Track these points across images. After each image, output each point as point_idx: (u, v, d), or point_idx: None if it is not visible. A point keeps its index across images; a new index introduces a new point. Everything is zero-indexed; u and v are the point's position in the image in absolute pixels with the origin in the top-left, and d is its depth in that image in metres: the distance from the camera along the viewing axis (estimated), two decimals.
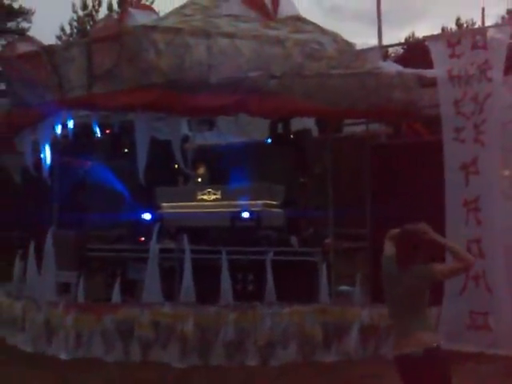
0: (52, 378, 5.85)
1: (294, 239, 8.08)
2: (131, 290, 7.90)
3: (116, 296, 6.93)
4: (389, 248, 3.57)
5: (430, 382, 3.25)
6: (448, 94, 6.24)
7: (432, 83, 6.40)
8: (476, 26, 22.58)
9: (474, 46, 6.17)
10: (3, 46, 10.09)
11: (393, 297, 3.43)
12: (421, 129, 7.35)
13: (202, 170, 9.28)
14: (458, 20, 25.26)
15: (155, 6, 20.23)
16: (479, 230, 6.13)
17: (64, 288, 8.01)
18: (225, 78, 6.05)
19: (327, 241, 7.67)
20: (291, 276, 7.28)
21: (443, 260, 3.66)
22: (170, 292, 7.03)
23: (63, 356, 6.61)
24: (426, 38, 6.91)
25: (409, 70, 6.50)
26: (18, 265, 8.00)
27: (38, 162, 7.64)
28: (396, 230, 3.60)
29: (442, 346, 3.35)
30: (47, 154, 7.51)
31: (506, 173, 6.58)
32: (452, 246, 3.40)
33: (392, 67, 6.57)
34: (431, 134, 7.20)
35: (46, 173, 7.57)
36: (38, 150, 7.64)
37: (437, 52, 6.36)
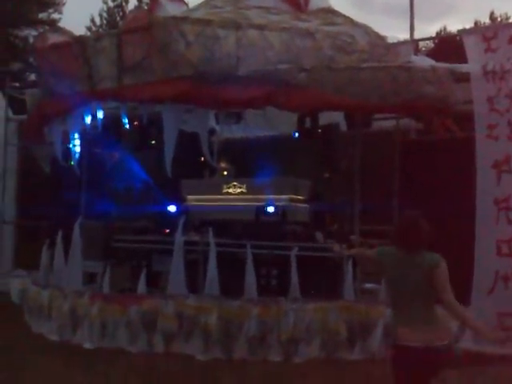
0: (76, 366, 5.91)
1: (319, 235, 8.00)
2: (156, 282, 7.95)
3: (141, 287, 6.97)
4: (380, 249, 3.52)
5: (426, 378, 3.25)
6: (482, 90, 6.08)
7: (465, 78, 6.25)
8: (511, 20, 22.08)
9: (511, 41, 5.99)
10: (35, 37, 10.20)
11: (400, 288, 3.36)
12: (452, 125, 7.19)
13: (227, 164, 9.27)
14: (491, 14, 24.74)
15: None
16: (510, 230, 5.98)
17: (90, 278, 8.10)
18: (254, 71, 6.00)
19: (353, 237, 7.57)
20: (316, 272, 7.22)
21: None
22: (194, 284, 7.04)
23: (88, 345, 6.68)
24: (460, 32, 6.75)
25: (442, 65, 6.36)
26: (45, 254, 8.11)
27: (67, 152, 7.73)
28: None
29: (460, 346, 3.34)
30: (76, 145, 7.58)
31: None
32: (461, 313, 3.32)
33: (424, 61, 6.43)
34: (463, 130, 7.04)
35: (74, 163, 7.65)
36: (67, 141, 7.73)
37: (471, 46, 6.19)
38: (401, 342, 3.28)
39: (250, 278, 6.79)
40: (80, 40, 6.89)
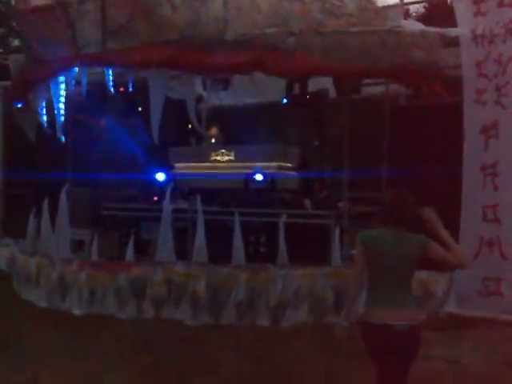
0: (66, 332, 5.94)
1: (307, 202, 8.03)
2: (144, 249, 7.97)
3: (129, 254, 6.98)
4: (361, 236, 3.45)
5: (404, 357, 3.27)
6: (471, 55, 6.03)
7: (455, 43, 6.19)
8: None
9: (500, 4, 5.91)
10: (16, 0, 9.93)
11: (381, 269, 3.29)
12: (441, 90, 7.16)
13: (215, 131, 9.21)
14: None
15: None
16: (496, 196, 6.01)
17: (78, 246, 8.08)
18: (241, 35, 5.90)
19: (341, 204, 7.60)
20: (304, 239, 7.26)
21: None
22: (182, 252, 7.05)
23: (77, 312, 6.71)
24: None
25: (431, 29, 6.28)
26: (32, 222, 8.06)
27: (52, 119, 7.61)
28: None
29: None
30: (61, 112, 7.46)
31: None
32: (452, 242, 3.27)
33: (414, 26, 6.35)
34: (452, 95, 7.00)
35: (60, 130, 7.54)
36: (52, 108, 7.60)
37: (461, 10, 6.11)
38: (377, 321, 3.24)
39: (238, 245, 6.81)
40: (63, 2, 6.70)
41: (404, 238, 3.28)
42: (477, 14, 6.01)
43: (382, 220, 3.37)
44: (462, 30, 6.06)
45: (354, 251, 7.81)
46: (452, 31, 6.18)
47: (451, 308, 6.02)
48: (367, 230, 3.54)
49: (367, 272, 3.35)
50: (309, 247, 7.26)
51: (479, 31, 5.96)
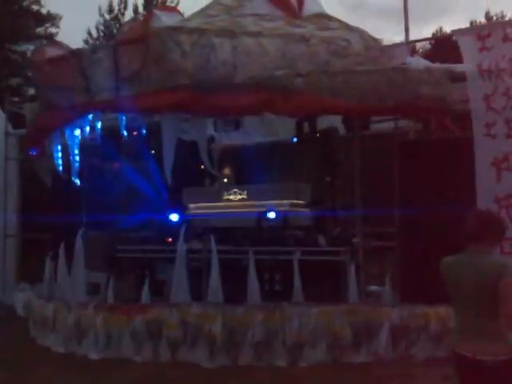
0: (82, 377, 5.91)
1: (321, 239, 8.01)
2: (159, 291, 7.96)
3: (145, 296, 6.98)
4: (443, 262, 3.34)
5: None
6: (478, 89, 6.09)
7: (462, 78, 6.26)
8: (506, 19, 22.12)
9: (505, 39, 6.00)
10: (32, 51, 10.26)
11: (458, 298, 3.16)
12: (450, 125, 7.20)
13: (228, 171, 9.30)
14: (487, 13, 24.78)
15: (180, 8, 20.48)
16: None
17: (94, 289, 8.10)
18: (250, 78, 6.02)
19: (355, 240, 7.58)
20: (319, 276, 7.22)
21: None
22: (197, 292, 7.04)
23: (93, 356, 6.69)
24: (454, 32, 6.77)
25: (437, 65, 6.37)
26: (48, 266, 8.12)
27: (68, 164, 7.76)
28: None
29: None
30: (76, 157, 7.61)
31: None
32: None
33: (420, 63, 6.45)
34: (461, 130, 7.05)
35: (75, 175, 7.67)
36: (67, 153, 7.76)
37: (466, 46, 6.21)
38: (466, 353, 3.06)
39: (253, 284, 6.80)
40: (76, 52, 6.93)
41: (481, 264, 3.08)
42: (482, 49, 6.10)
43: (463, 238, 3.21)
44: (467, 66, 6.14)
45: (371, 287, 7.79)
46: (458, 67, 6.27)
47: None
48: (449, 256, 3.39)
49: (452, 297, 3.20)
50: (324, 284, 7.22)
51: (485, 66, 6.03)
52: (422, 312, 6.34)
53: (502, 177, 6.00)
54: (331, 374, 5.88)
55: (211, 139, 8.98)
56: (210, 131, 8.71)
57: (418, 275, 6.66)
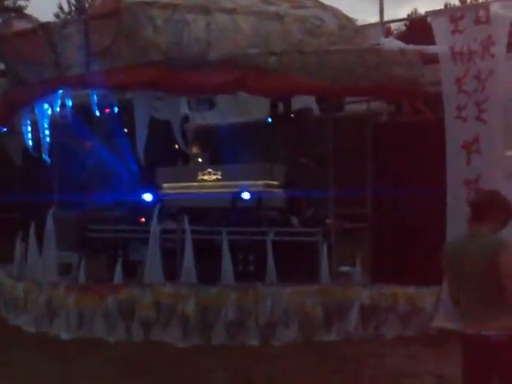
0: (54, 357, 5.88)
1: (294, 220, 8.04)
2: (132, 271, 7.92)
3: (118, 276, 6.94)
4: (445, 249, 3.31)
5: (503, 370, 3.01)
6: (450, 71, 6.11)
7: (434, 60, 6.28)
8: (479, 2, 22.22)
9: (478, 22, 6.01)
10: (0, 25, 9.98)
11: (463, 279, 3.12)
12: (423, 107, 7.25)
13: (202, 151, 9.22)
14: None
15: None
16: None
17: (65, 269, 8.02)
18: (223, 55, 5.96)
19: (328, 221, 7.63)
20: (292, 256, 7.26)
21: None
22: (171, 273, 7.03)
23: (65, 336, 6.65)
24: (428, 14, 6.77)
25: (411, 47, 6.39)
26: (19, 246, 8.00)
27: (38, 142, 7.61)
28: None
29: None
30: (46, 135, 7.46)
31: (509, 153, 6.49)
32: None
33: (393, 44, 6.46)
34: (433, 112, 7.10)
35: (45, 153, 7.53)
36: (37, 131, 7.60)
37: (439, 28, 6.20)
38: (470, 331, 3.06)
39: (227, 265, 6.81)
40: (46, 26, 6.76)
41: (481, 244, 3.07)
42: (454, 31, 6.11)
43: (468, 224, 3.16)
44: (440, 48, 6.16)
45: (343, 268, 7.88)
46: (431, 48, 6.29)
47: (440, 323, 6.02)
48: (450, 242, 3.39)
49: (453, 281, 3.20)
50: (297, 265, 7.27)
51: (457, 48, 6.05)
52: (392, 292, 6.44)
53: (471, 159, 6.07)
54: (303, 352, 5.96)
55: (185, 119, 8.89)
56: (184, 110, 8.62)
57: (390, 256, 6.75)
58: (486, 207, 3.17)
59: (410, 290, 6.36)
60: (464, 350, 3.13)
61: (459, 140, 6.10)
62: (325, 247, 6.98)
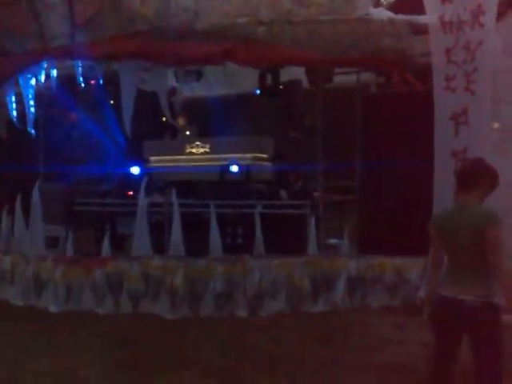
0: (42, 330, 5.88)
1: (283, 193, 8.06)
2: (120, 244, 7.91)
3: (105, 250, 6.92)
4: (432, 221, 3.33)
5: (475, 330, 3.09)
6: (439, 42, 6.07)
7: (424, 30, 6.23)
8: None
9: None
10: None
11: (452, 248, 3.18)
12: (412, 78, 7.21)
13: (189, 123, 9.14)
14: None
15: None
16: None
17: (53, 242, 7.99)
18: (211, 25, 5.87)
19: (316, 194, 7.65)
20: (280, 229, 7.29)
21: None
22: (159, 246, 7.02)
23: (53, 309, 6.63)
24: None
25: (400, 17, 6.32)
26: (5, 219, 7.93)
27: (23, 114, 7.49)
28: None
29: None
30: (31, 107, 7.34)
31: (496, 125, 6.50)
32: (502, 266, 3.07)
33: (383, 14, 6.38)
34: (422, 84, 7.07)
35: (30, 126, 7.42)
36: (22, 103, 7.48)
37: None
38: (447, 294, 3.13)
39: (215, 237, 6.81)
40: None
41: (470, 214, 3.10)
42: (444, 1, 6.06)
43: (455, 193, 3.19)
44: (430, 17, 6.10)
45: (331, 240, 7.92)
46: (420, 19, 6.23)
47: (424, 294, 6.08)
48: (439, 212, 3.41)
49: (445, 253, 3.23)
50: (285, 237, 7.30)
51: (447, 18, 6.01)
52: (378, 262, 6.50)
53: (459, 130, 6.08)
54: (290, 323, 6.02)
55: (173, 90, 8.78)
56: (172, 82, 8.50)
57: (377, 228, 6.79)
58: (472, 175, 3.19)
59: (397, 260, 6.42)
60: (439, 310, 3.21)
61: (447, 111, 6.09)
62: (313, 220, 7.00)
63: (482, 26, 5.84)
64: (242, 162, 8.13)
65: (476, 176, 3.18)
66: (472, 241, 3.09)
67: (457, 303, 3.10)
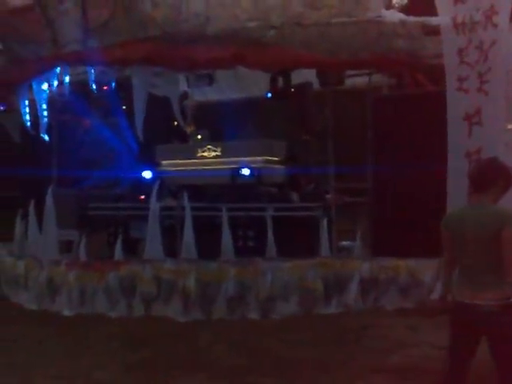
0: (56, 334, 5.91)
1: (294, 195, 8.04)
2: (133, 248, 7.93)
3: (118, 253, 6.96)
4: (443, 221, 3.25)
5: (497, 338, 3.02)
6: (452, 43, 6.05)
7: (436, 32, 6.20)
8: None
9: None
10: None
11: (465, 250, 3.11)
12: (423, 80, 7.18)
13: (201, 127, 9.17)
14: None
15: None
16: None
17: (66, 246, 8.04)
18: (222, 30, 5.90)
19: (328, 196, 7.63)
20: (292, 232, 7.28)
21: None
22: (171, 249, 7.04)
23: (67, 312, 6.68)
24: None
25: (412, 18, 6.30)
26: (19, 224, 8.00)
27: (36, 120, 7.56)
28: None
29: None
30: (44, 112, 7.42)
31: (510, 126, 6.44)
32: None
33: (394, 16, 6.37)
34: (434, 85, 7.03)
35: (43, 131, 7.50)
36: (35, 109, 7.56)
37: None
38: (465, 300, 3.05)
39: (227, 241, 6.82)
40: (42, 2, 6.67)
41: (483, 214, 3.04)
42: (457, 1, 6.03)
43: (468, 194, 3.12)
44: (442, 19, 6.08)
45: (343, 242, 7.89)
46: (432, 20, 6.21)
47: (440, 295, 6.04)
48: (450, 212, 3.33)
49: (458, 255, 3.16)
50: (297, 240, 7.28)
51: (460, 19, 5.98)
52: (392, 264, 6.47)
53: (473, 131, 6.03)
54: (303, 325, 5.99)
55: (184, 95, 8.82)
56: (183, 87, 8.54)
57: (390, 230, 6.76)
58: (487, 176, 3.13)
59: (411, 262, 6.38)
60: (454, 315, 3.15)
61: (461, 112, 6.06)
62: (325, 222, 6.98)
63: (495, 26, 5.81)
64: (253, 165, 8.13)
65: (490, 176, 3.12)
66: (487, 241, 3.03)
67: (473, 308, 3.04)
